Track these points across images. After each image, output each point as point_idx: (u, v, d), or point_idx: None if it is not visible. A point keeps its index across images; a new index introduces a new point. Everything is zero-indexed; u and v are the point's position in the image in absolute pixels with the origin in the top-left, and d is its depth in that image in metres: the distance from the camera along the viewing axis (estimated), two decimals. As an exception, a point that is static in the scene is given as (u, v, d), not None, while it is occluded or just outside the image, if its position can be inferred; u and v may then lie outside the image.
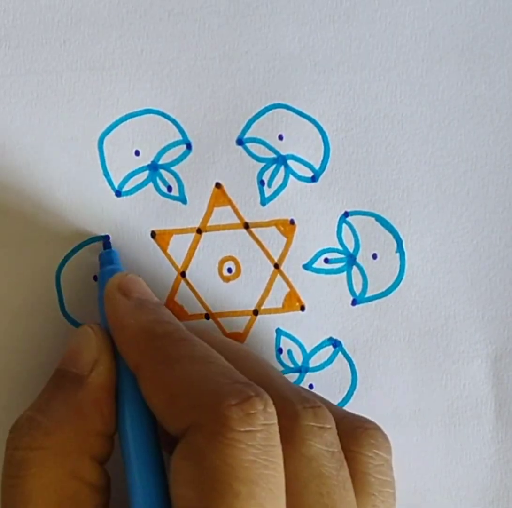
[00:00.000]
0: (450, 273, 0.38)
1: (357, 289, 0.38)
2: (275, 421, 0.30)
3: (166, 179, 0.37)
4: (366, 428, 0.33)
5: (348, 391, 0.38)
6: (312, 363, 0.38)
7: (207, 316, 0.37)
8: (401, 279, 0.38)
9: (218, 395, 0.30)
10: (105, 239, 0.37)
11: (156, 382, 0.31)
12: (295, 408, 0.31)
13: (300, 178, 0.38)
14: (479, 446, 0.38)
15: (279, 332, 0.38)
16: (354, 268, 0.38)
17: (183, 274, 0.37)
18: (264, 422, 0.30)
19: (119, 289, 0.34)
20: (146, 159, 0.37)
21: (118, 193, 0.37)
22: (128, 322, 0.33)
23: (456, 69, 0.38)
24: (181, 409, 0.30)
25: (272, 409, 0.30)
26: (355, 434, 0.33)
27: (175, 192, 0.37)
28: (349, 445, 0.32)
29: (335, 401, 0.37)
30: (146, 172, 0.37)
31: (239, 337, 0.37)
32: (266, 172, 0.38)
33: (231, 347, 0.35)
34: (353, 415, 0.34)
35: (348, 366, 0.38)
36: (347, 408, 0.37)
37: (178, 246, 0.37)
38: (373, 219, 0.38)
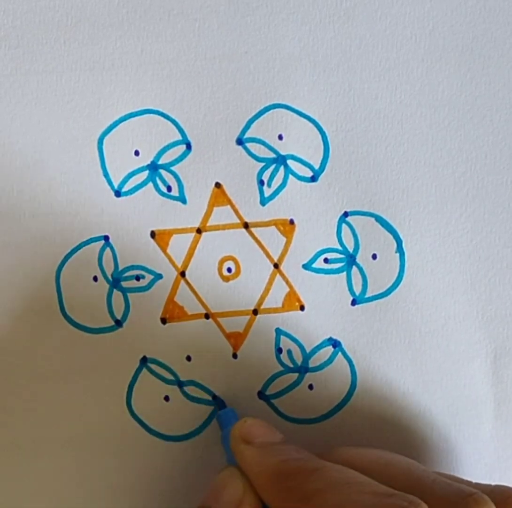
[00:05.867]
0: (450, 273, 0.38)
1: (357, 289, 0.38)
2: None
3: (166, 179, 0.37)
4: None
5: (348, 392, 0.38)
6: (312, 363, 0.38)
7: (207, 316, 0.37)
8: (401, 279, 0.38)
9: None
10: (218, 401, 0.37)
11: None
12: (456, 503, 0.31)
13: (299, 178, 0.38)
14: (479, 445, 0.38)
15: (278, 331, 0.38)
16: (354, 268, 0.38)
17: (183, 274, 0.37)
18: None
19: (242, 440, 0.34)
20: (145, 159, 0.37)
21: (118, 193, 0.37)
22: (259, 469, 0.33)
23: (456, 69, 0.38)
24: None
25: None
26: (509, 505, 0.32)
27: (174, 192, 0.37)
28: None
29: (335, 401, 0.38)
30: (146, 172, 0.37)
31: (239, 336, 0.37)
32: (265, 172, 0.38)
33: (367, 458, 0.34)
34: (493, 486, 0.33)
35: (348, 366, 0.38)
36: (347, 408, 0.37)
37: (178, 246, 0.37)
38: (372, 219, 0.38)
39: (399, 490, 0.31)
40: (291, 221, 0.38)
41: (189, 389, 0.37)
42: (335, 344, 0.38)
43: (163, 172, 0.37)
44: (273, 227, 0.38)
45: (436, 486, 0.32)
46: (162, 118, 0.37)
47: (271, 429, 0.35)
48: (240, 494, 0.33)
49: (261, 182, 0.37)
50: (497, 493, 0.32)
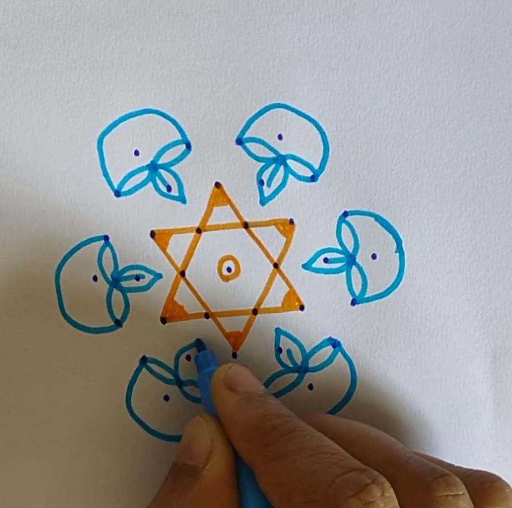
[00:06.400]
0: (449, 272, 0.38)
1: (357, 289, 0.38)
2: (395, 503, 0.30)
3: (166, 179, 0.37)
4: (492, 481, 0.32)
5: (348, 391, 0.38)
6: (312, 362, 0.38)
7: (206, 315, 0.37)
8: (401, 279, 0.38)
9: (333, 488, 0.29)
10: (198, 342, 0.37)
11: (270, 478, 0.31)
12: (425, 481, 0.31)
13: (299, 178, 0.38)
14: (478, 444, 0.38)
15: (278, 331, 0.38)
16: (354, 268, 0.38)
17: (182, 274, 0.37)
18: None
19: (224, 384, 0.34)
20: (145, 159, 0.37)
21: (118, 193, 0.37)
22: (237, 418, 0.33)
23: (456, 69, 0.38)
24: (297, 505, 0.30)
25: (390, 492, 0.30)
26: (484, 490, 0.32)
27: (174, 192, 0.37)
28: (481, 503, 0.32)
29: (335, 401, 0.38)
30: (146, 172, 0.37)
31: (239, 336, 0.37)
32: (265, 172, 0.38)
33: (347, 427, 0.34)
34: (473, 470, 0.33)
35: (347, 366, 0.38)
36: (347, 408, 0.38)
37: (178, 246, 0.37)
38: (372, 219, 0.38)
39: (372, 462, 0.31)
40: (291, 221, 0.38)
41: (189, 389, 0.37)
42: (335, 343, 0.38)
43: (163, 172, 0.37)
44: (273, 227, 0.38)
45: (410, 463, 0.32)
46: (161, 118, 0.37)
47: (255, 379, 0.35)
48: (208, 445, 0.33)
49: (260, 182, 0.37)
50: (474, 478, 0.32)
